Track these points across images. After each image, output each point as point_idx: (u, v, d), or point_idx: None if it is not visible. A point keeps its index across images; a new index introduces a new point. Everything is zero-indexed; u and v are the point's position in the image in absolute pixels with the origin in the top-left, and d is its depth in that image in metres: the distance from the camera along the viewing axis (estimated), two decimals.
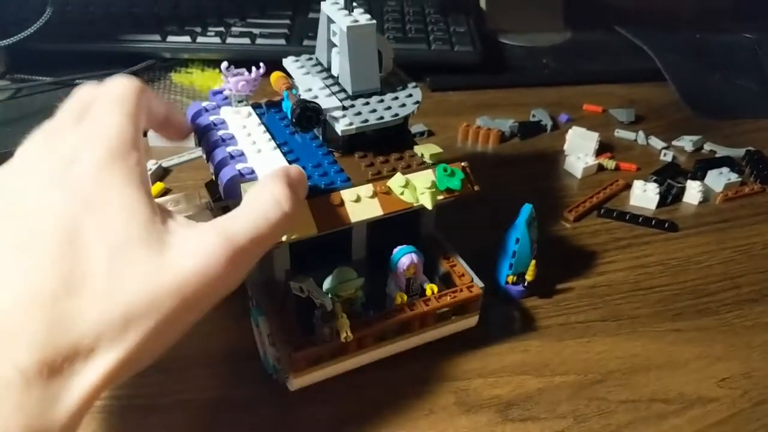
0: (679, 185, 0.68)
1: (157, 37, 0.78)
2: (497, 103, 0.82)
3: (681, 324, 0.54)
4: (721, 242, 0.63)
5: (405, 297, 0.47)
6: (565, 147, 0.73)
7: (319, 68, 0.51)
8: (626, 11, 1.04)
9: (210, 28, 0.80)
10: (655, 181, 0.68)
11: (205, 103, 0.51)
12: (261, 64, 0.50)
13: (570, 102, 0.82)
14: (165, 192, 0.62)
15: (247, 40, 0.78)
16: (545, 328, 0.53)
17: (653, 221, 0.64)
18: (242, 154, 0.46)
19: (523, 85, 0.85)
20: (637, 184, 0.67)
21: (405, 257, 0.46)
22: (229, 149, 0.46)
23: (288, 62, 0.52)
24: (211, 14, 0.83)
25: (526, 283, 0.54)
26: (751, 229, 0.65)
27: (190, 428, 0.44)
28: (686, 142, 0.76)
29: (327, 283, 0.45)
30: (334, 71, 0.50)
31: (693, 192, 0.68)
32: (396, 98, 0.49)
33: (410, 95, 0.50)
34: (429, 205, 0.46)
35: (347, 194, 0.44)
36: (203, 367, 0.48)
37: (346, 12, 0.47)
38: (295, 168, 0.40)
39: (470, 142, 0.74)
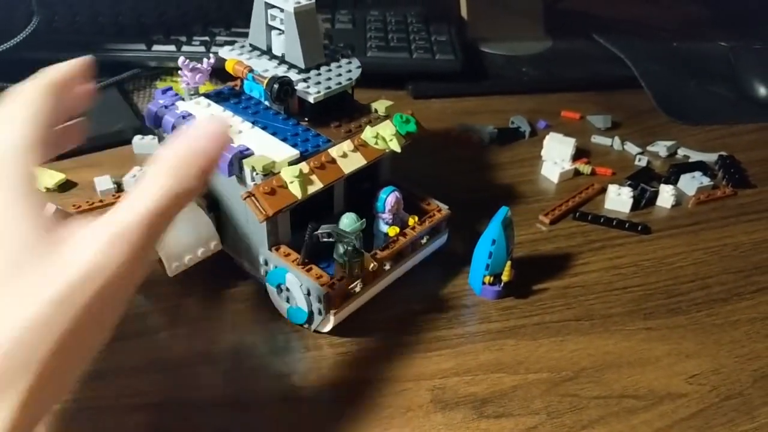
0: (653, 189, 0.69)
1: (143, 47, 0.80)
2: (477, 110, 0.83)
3: (652, 323, 0.55)
4: (692, 244, 0.64)
5: (397, 229, 0.54)
6: (543, 152, 0.75)
7: (257, 53, 0.57)
8: (605, 20, 1.06)
9: (195, 38, 0.81)
10: (629, 185, 0.70)
11: (161, 101, 0.53)
12: (211, 55, 0.55)
13: (548, 109, 0.84)
14: None
15: None
16: (520, 327, 0.54)
17: (627, 224, 0.66)
18: None
19: (502, 92, 0.87)
20: (612, 188, 0.69)
21: (390, 196, 0.54)
22: None
23: (225, 51, 0.57)
24: (196, 24, 0.84)
25: (502, 284, 0.56)
26: (722, 231, 0.66)
27: (186, 428, 0.45)
28: (661, 148, 0.78)
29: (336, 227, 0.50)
30: (277, 52, 0.56)
31: (666, 196, 0.69)
32: (340, 66, 0.57)
33: (350, 62, 0.57)
34: (398, 149, 0.54)
35: (334, 151, 0.51)
36: (185, 367, 0.49)
37: None
38: (189, 138, 0.36)
39: (450, 148, 0.76)
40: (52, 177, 0.64)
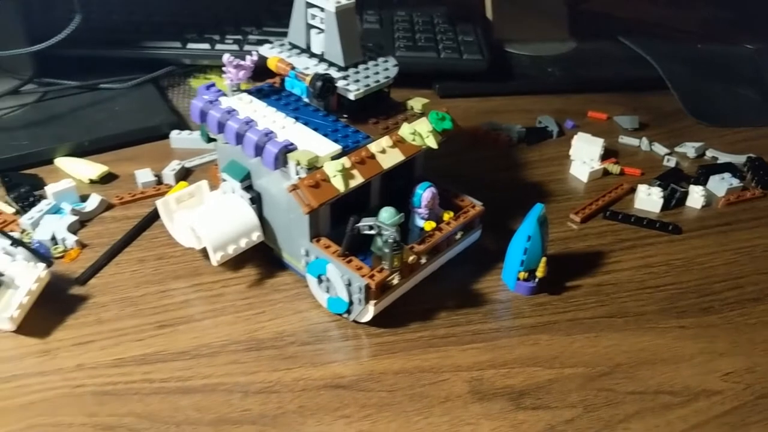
0: (683, 190, 0.70)
1: (178, 44, 0.81)
2: (504, 109, 0.84)
3: (685, 321, 0.56)
4: (723, 244, 0.65)
5: (433, 224, 0.55)
6: (571, 152, 0.76)
7: (297, 51, 0.58)
8: (628, 22, 1.06)
9: (228, 36, 0.82)
10: (659, 185, 0.71)
11: (205, 97, 0.54)
12: (253, 53, 0.55)
13: (574, 109, 0.85)
14: None
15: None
16: (554, 323, 0.55)
17: (657, 224, 0.66)
18: (271, 132, 0.51)
19: (528, 92, 0.88)
20: (642, 188, 0.69)
21: (427, 191, 0.55)
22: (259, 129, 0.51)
23: (266, 49, 0.58)
24: (228, 23, 0.85)
25: (536, 280, 0.57)
26: (752, 232, 0.67)
27: (219, 409, 0.46)
28: (689, 149, 0.78)
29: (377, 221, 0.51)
30: (316, 50, 0.57)
31: (696, 196, 0.70)
32: (377, 64, 0.58)
33: (387, 60, 0.59)
34: (435, 145, 0.55)
35: (374, 147, 0.52)
36: (228, 353, 0.50)
37: None
38: None
39: (479, 147, 0.77)
40: (95, 169, 0.65)
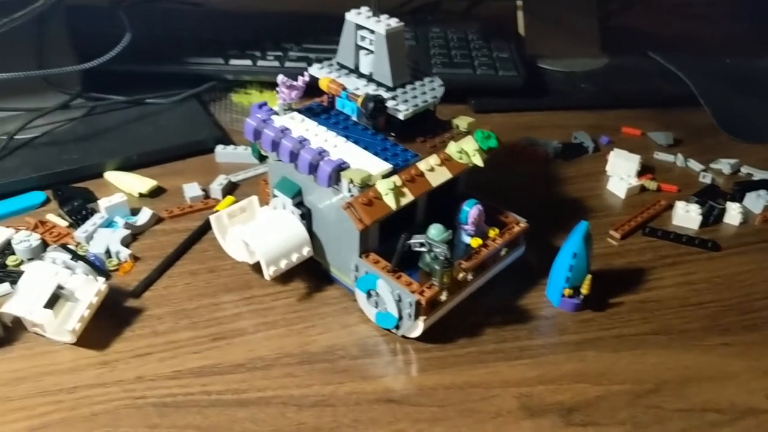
0: (720, 206, 0.70)
1: (221, 60, 0.83)
2: (538, 124, 0.85)
3: (729, 338, 0.56)
4: (762, 261, 0.65)
5: (480, 240, 0.56)
6: (608, 168, 0.76)
7: (345, 71, 0.59)
8: (657, 37, 1.07)
9: (269, 53, 0.84)
10: (696, 202, 0.71)
11: (258, 116, 0.55)
12: (305, 73, 0.57)
13: (608, 125, 0.85)
14: (234, 204, 0.66)
15: (303, 64, 0.82)
16: (600, 339, 0.55)
17: (697, 240, 0.67)
18: (324, 150, 0.52)
19: (562, 108, 0.89)
20: (680, 205, 0.70)
21: (474, 209, 0.55)
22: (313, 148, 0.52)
23: (315, 69, 0.59)
24: (269, 40, 0.87)
25: (581, 297, 0.57)
26: None
27: (275, 422, 0.47)
28: (724, 165, 0.78)
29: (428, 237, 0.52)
30: (364, 70, 0.58)
31: (733, 213, 0.70)
32: (424, 84, 0.59)
33: (432, 80, 0.60)
34: (481, 163, 0.56)
35: (423, 165, 0.54)
36: (282, 366, 0.51)
37: (376, 18, 0.55)
38: None
39: (517, 162, 0.77)
40: (144, 183, 0.67)
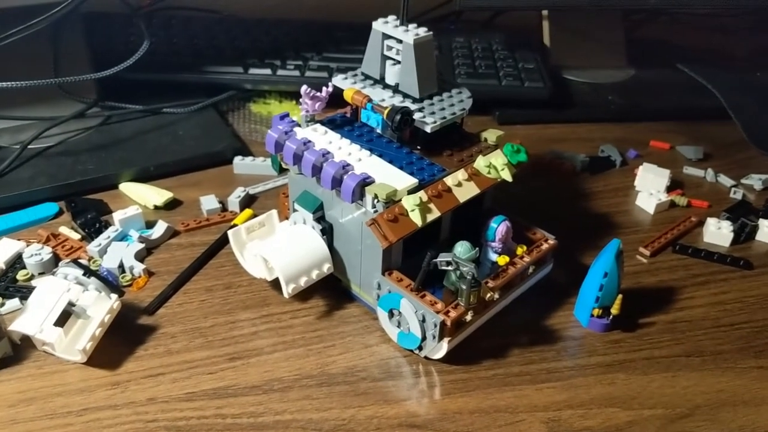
0: (752, 223, 0.68)
1: (240, 69, 0.81)
2: (564, 137, 0.83)
3: (764, 361, 0.54)
4: None
5: (507, 258, 0.54)
6: (636, 183, 0.74)
7: (370, 81, 0.58)
8: (683, 49, 1.05)
9: (289, 62, 0.83)
10: (728, 218, 0.69)
11: (280, 127, 0.54)
12: (329, 84, 0.55)
13: (636, 138, 0.83)
14: (252, 217, 0.64)
15: (324, 74, 0.81)
16: (630, 361, 0.53)
17: (728, 258, 0.64)
18: (348, 164, 0.51)
19: (588, 120, 0.87)
20: (711, 222, 0.67)
21: (502, 225, 0.54)
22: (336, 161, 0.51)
23: (339, 80, 0.58)
24: (289, 49, 0.86)
25: (610, 317, 0.55)
26: None
27: None
28: (755, 181, 0.76)
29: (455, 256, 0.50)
30: (390, 81, 0.57)
31: (766, 230, 0.68)
32: (451, 96, 0.57)
33: (460, 92, 0.58)
34: (510, 178, 0.54)
35: (450, 180, 0.52)
36: (300, 389, 0.49)
37: (404, 28, 0.54)
38: None
39: (543, 175, 0.75)
40: (160, 195, 0.65)
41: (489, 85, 0.83)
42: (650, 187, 0.72)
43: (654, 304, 0.59)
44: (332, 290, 0.57)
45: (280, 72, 0.81)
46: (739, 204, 0.72)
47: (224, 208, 0.66)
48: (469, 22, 1.06)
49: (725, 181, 0.76)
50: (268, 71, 0.81)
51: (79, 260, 0.56)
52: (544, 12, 0.97)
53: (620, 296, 0.54)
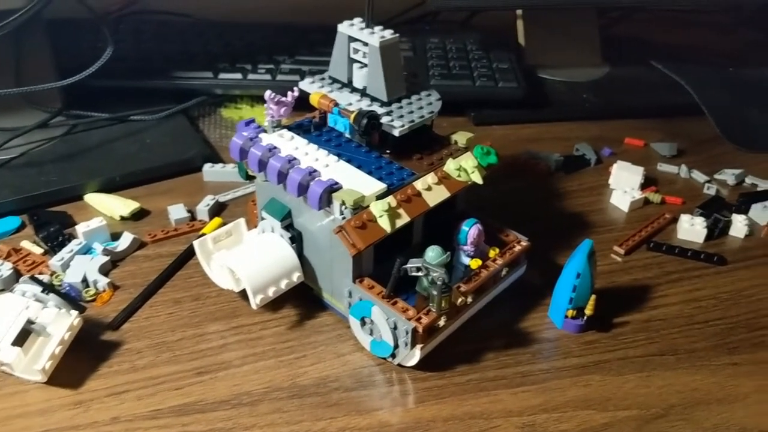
0: (726, 219, 0.68)
1: (210, 74, 0.80)
2: (540, 137, 0.83)
3: (737, 358, 0.54)
4: None
5: (480, 261, 0.53)
6: (611, 181, 0.74)
7: (337, 85, 0.57)
8: (659, 46, 1.05)
9: (260, 66, 0.81)
10: (701, 214, 0.69)
11: (245, 134, 0.53)
12: (294, 89, 0.54)
13: (611, 136, 0.83)
14: (222, 226, 0.63)
15: (296, 77, 0.79)
16: (605, 362, 0.53)
17: (702, 255, 0.64)
18: (315, 170, 0.50)
19: (564, 119, 0.86)
20: (685, 218, 0.67)
21: (473, 228, 0.53)
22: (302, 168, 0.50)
23: (306, 84, 0.57)
24: (261, 52, 0.84)
25: (585, 318, 0.55)
26: None
27: None
28: (728, 176, 0.76)
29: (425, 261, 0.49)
30: (357, 85, 0.56)
31: (739, 226, 0.68)
32: (420, 98, 0.56)
33: (429, 94, 0.57)
34: (480, 181, 0.54)
35: (419, 184, 0.51)
36: (270, 402, 0.48)
37: (370, 30, 0.53)
38: None
39: (517, 176, 0.75)
40: (126, 205, 0.64)
41: (463, 86, 0.82)
42: (624, 185, 0.72)
43: (628, 303, 0.59)
44: (304, 299, 0.56)
45: (251, 76, 0.80)
46: (712, 200, 0.72)
47: (193, 218, 0.65)
48: (444, 22, 1.05)
49: (699, 177, 0.76)
50: (238, 75, 0.80)
51: (41, 275, 0.54)
52: (519, 11, 0.96)
53: (594, 296, 0.54)
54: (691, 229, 0.67)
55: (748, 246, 0.67)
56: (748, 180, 0.76)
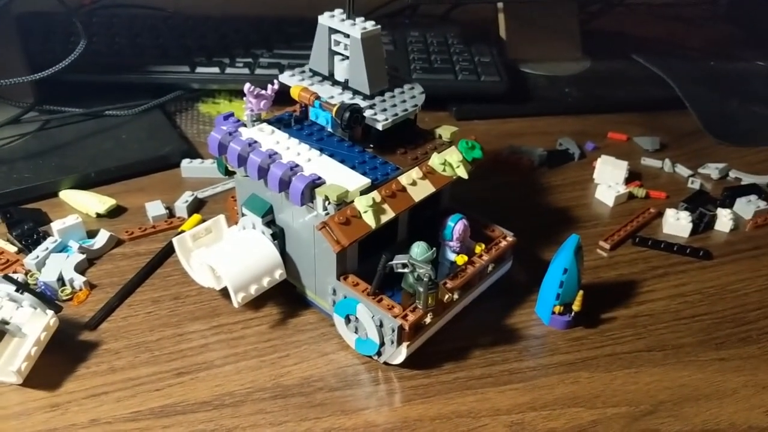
0: (711, 213, 0.68)
1: (186, 68, 0.78)
2: (523, 131, 0.82)
3: (725, 353, 0.54)
4: (755, 270, 0.63)
5: (465, 257, 0.52)
6: (595, 175, 0.74)
7: (319, 78, 0.56)
8: (639, 40, 1.05)
9: (238, 59, 0.80)
10: (686, 209, 0.69)
11: (224, 128, 0.51)
12: (275, 81, 0.53)
13: (593, 130, 0.83)
14: (201, 223, 0.62)
15: (275, 71, 0.78)
16: (593, 359, 0.52)
17: (688, 249, 0.64)
18: (297, 165, 0.48)
19: (547, 113, 0.86)
20: (670, 213, 0.67)
21: (459, 224, 0.52)
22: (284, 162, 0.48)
23: (286, 77, 0.56)
24: (239, 46, 0.83)
25: (572, 314, 0.54)
26: None
27: None
28: (712, 170, 0.76)
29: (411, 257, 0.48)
30: (339, 77, 0.55)
31: (724, 220, 0.68)
32: (403, 92, 0.55)
33: (412, 87, 0.56)
34: (465, 175, 0.53)
35: (404, 179, 0.50)
36: (253, 402, 0.47)
37: (351, 22, 0.52)
38: None
39: (501, 171, 0.74)
40: (102, 202, 0.62)
41: (445, 80, 0.81)
42: (609, 180, 0.72)
43: (615, 298, 0.58)
44: (287, 297, 0.54)
45: (228, 70, 0.78)
46: (697, 194, 0.72)
47: (171, 214, 0.63)
48: (424, 16, 1.04)
49: (683, 171, 0.76)
50: (216, 69, 0.78)
51: (15, 274, 0.53)
52: (500, 4, 0.96)
53: (581, 292, 0.53)
54: (677, 223, 0.67)
55: (733, 240, 0.67)
56: (732, 174, 0.77)
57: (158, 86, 0.78)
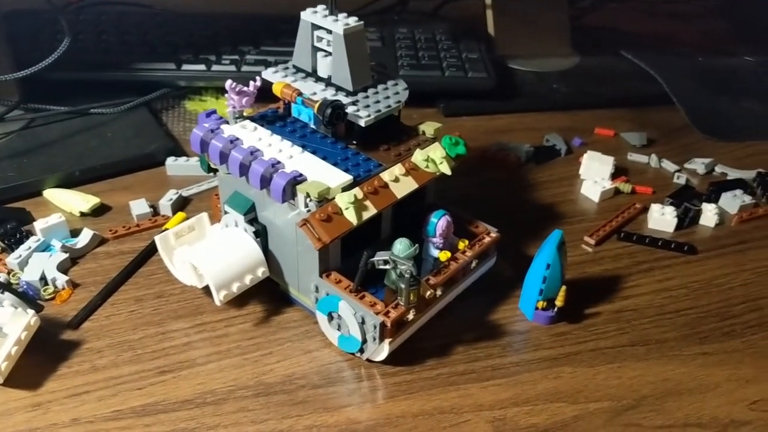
0: (696, 208, 0.68)
1: (172, 66, 0.78)
2: (510, 128, 0.82)
3: (708, 347, 0.54)
4: (740, 264, 0.63)
5: (449, 254, 0.52)
6: (581, 171, 0.74)
7: (302, 74, 0.56)
8: (628, 35, 1.05)
9: (225, 57, 0.80)
10: (671, 204, 0.69)
11: (206, 125, 0.51)
12: (257, 77, 0.53)
13: (581, 126, 0.83)
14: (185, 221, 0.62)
15: (262, 68, 0.77)
16: (576, 354, 0.53)
17: (673, 244, 0.64)
18: (278, 162, 0.48)
19: (534, 109, 0.86)
20: (655, 208, 0.67)
21: (442, 220, 0.52)
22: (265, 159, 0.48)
23: (270, 74, 0.56)
24: (225, 43, 0.83)
25: (555, 309, 0.54)
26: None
27: None
28: (698, 165, 0.76)
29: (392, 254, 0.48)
30: (322, 74, 0.55)
31: (709, 215, 0.68)
32: (387, 88, 0.55)
33: (396, 84, 0.56)
34: (449, 171, 0.53)
35: (386, 176, 0.50)
36: (235, 400, 0.47)
37: (334, 18, 0.52)
38: None
39: (487, 167, 0.74)
40: (86, 201, 0.62)
41: (432, 76, 0.81)
42: (595, 175, 0.72)
43: (599, 293, 0.58)
44: (270, 294, 0.55)
45: (215, 67, 0.78)
46: (682, 189, 0.73)
47: (156, 213, 0.63)
48: (413, 12, 1.04)
49: (669, 166, 0.76)
50: (202, 67, 0.78)
51: None
52: (488, 1, 0.95)
53: (564, 288, 0.53)
54: (662, 218, 0.67)
55: (718, 235, 0.67)
56: (718, 169, 0.77)
57: (144, 84, 0.77)
